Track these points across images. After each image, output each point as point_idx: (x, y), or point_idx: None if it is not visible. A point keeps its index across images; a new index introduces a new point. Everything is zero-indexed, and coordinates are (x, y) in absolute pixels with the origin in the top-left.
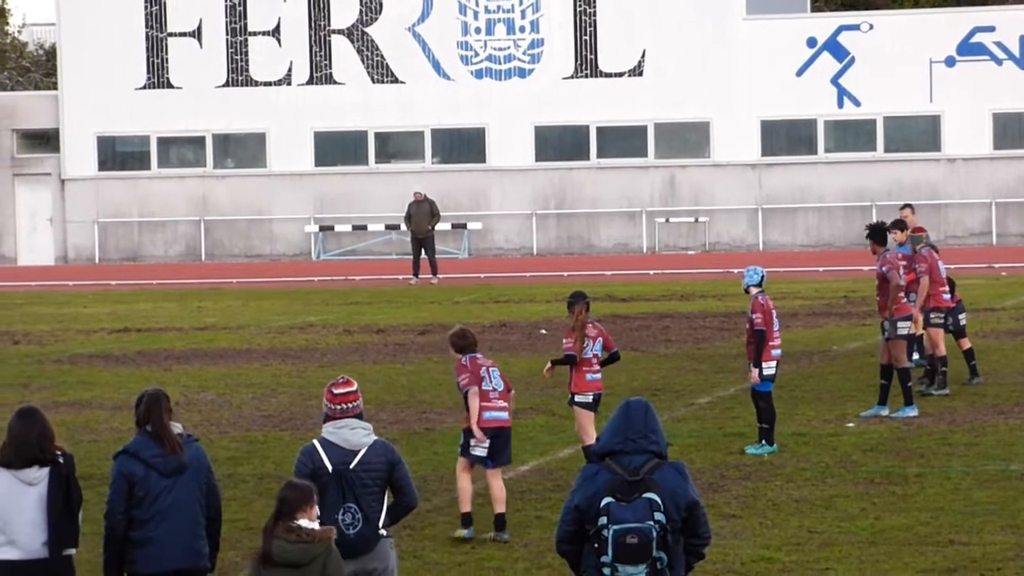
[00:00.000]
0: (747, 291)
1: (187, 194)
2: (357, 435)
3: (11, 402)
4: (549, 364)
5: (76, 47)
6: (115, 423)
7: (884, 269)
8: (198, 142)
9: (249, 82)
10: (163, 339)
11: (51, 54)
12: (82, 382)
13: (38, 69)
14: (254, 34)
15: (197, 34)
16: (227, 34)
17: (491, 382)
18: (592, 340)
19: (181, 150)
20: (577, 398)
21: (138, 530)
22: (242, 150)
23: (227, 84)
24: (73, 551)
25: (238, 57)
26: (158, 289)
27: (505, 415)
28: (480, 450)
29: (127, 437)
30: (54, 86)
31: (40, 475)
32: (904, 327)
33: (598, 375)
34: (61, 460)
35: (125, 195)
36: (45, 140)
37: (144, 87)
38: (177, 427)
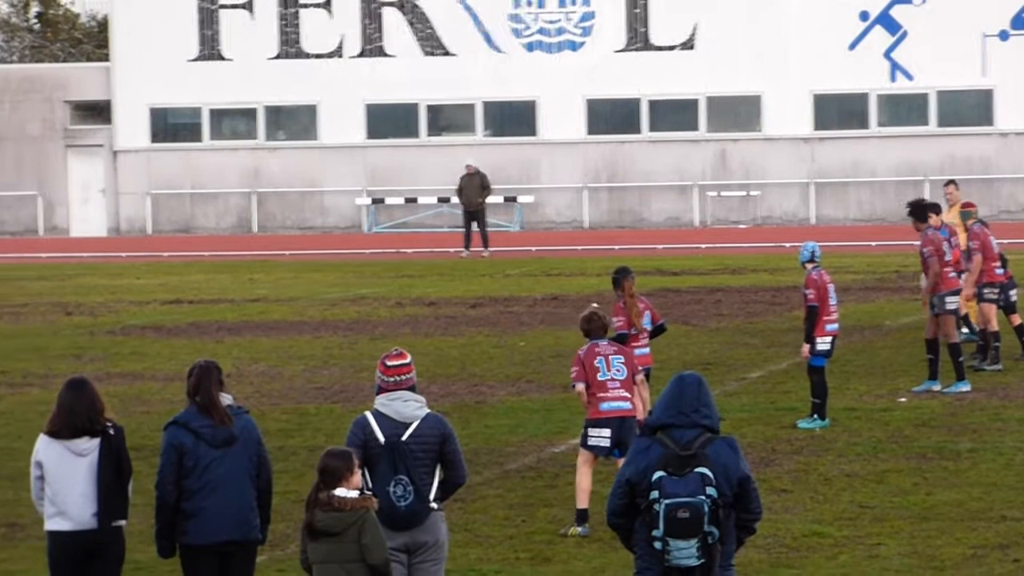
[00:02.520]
0: (804, 266)
1: (239, 166)
2: (410, 407)
3: (64, 373)
4: None
5: (128, 19)
6: (167, 394)
7: (926, 252)
8: (250, 114)
9: (300, 54)
10: (215, 311)
11: (103, 26)
12: (134, 353)
13: (90, 41)
14: (305, 6)
15: (249, 6)
16: (279, 6)
17: (609, 371)
18: (640, 314)
19: (233, 122)
20: None
21: (188, 501)
22: (294, 122)
23: (278, 56)
24: (123, 522)
25: (289, 29)
26: (210, 261)
27: (627, 404)
28: (602, 440)
29: (178, 408)
30: (106, 57)
31: (91, 446)
32: (952, 302)
33: (646, 349)
34: (112, 431)
35: (177, 167)
36: (97, 112)
37: (196, 59)
38: (227, 398)
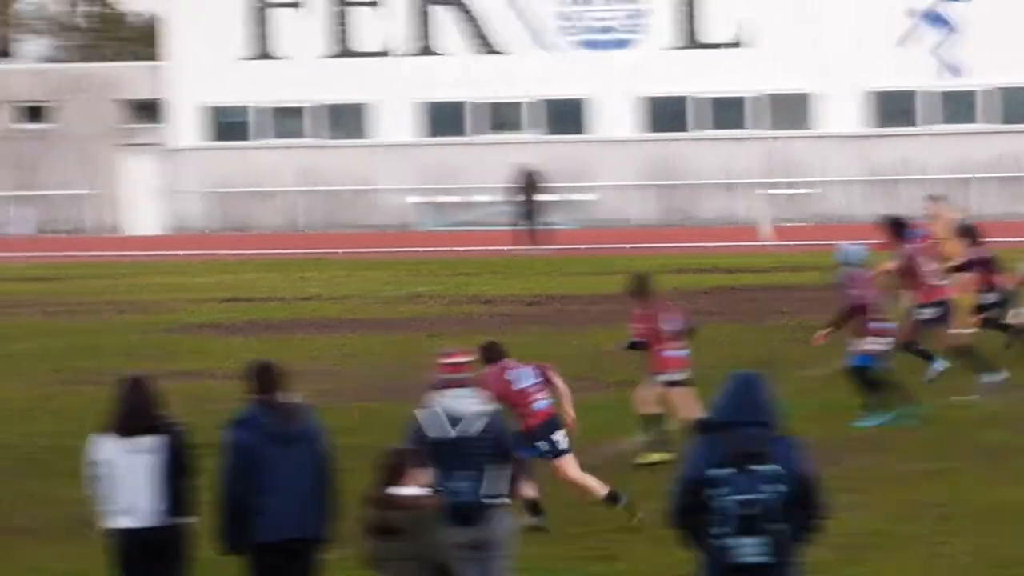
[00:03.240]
0: (844, 267)
1: (292, 164)
2: (468, 404)
3: (119, 371)
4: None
5: (181, 18)
6: (227, 392)
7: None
8: (304, 113)
9: (352, 53)
10: (271, 309)
11: (154, 25)
12: (193, 351)
13: (144, 40)
14: (354, 4)
15: (300, 4)
16: (328, 4)
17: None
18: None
19: (286, 121)
20: (663, 377)
21: (252, 499)
22: (346, 121)
23: (330, 55)
24: (187, 520)
25: (340, 28)
26: (265, 259)
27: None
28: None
29: (239, 406)
30: (156, 56)
31: (152, 443)
32: (928, 313)
33: (680, 352)
34: (174, 429)
35: (231, 165)
36: (149, 111)
37: (247, 58)
38: (289, 397)
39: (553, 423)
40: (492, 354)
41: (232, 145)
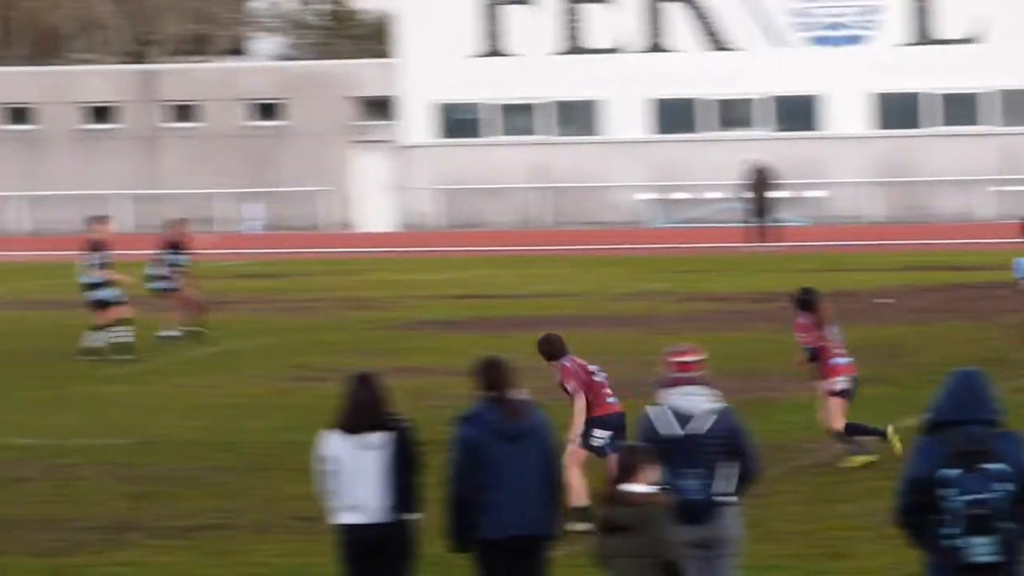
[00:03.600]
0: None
1: (525, 161)
2: (699, 401)
3: (353, 367)
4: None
5: (414, 15)
6: (457, 389)
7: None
8: (534, 109)
9: (582, 49)
10: (501, 306)
11: (386, 22)
12: (422, 348)
13: (377, 37)
14: (587, 1)
15: (531, 1)
16: (561, 1)
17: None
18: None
19: (519, 117)
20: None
21: (480, 496)
22: (576, 118)
23: (561, 52)
24: (414, 516)
25: (571, 24)
26: (496, 256)
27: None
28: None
29: (468, 403)
30: (388, 54)
31: (380, 440)
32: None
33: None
34: (401, 426)
35: (463, 162)
36: (382, 108)
37: (480, 55)
38: (519, 393)
39: (613, 422)
40: (558, 348)
41: (463, 142)
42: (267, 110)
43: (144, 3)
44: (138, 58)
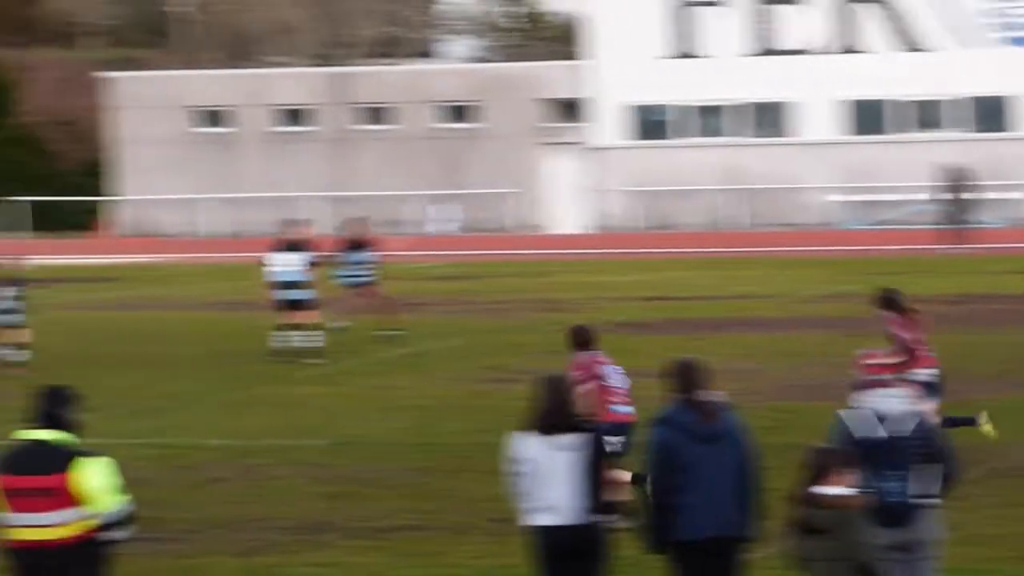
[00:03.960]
0: None
1: (715, 163)
2: (897, 404)
3: (545, 369)
4: None
5: (605, 17)
6: (650, 391)
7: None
8: (726, 111)
9: (774, 51)
10: (694, 307)
11: (577, 24)
12: (615, 350)
13: (568, 39)
14: (778, 2)
15: (722, 3)
16: (752, 2)
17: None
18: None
19: (708, 119)
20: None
21: (676, 497)
22: (768, 119)
23: (752, 53)
24: (607, 518)
25: (762, 26)
26: (688, 258)
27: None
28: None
29: (662, 405)
30: (580, 56)
31: (572, 441)
32: None
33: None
34: (593, 427)
35: (654, 164)
36: (572, 109)
37: (670, 56)
38: (713, 395)
39: (622, 429)
40: (583, 339)
41: (654, 144)
42: (458, 112)
43: (336, 6)
44: (330, 61)
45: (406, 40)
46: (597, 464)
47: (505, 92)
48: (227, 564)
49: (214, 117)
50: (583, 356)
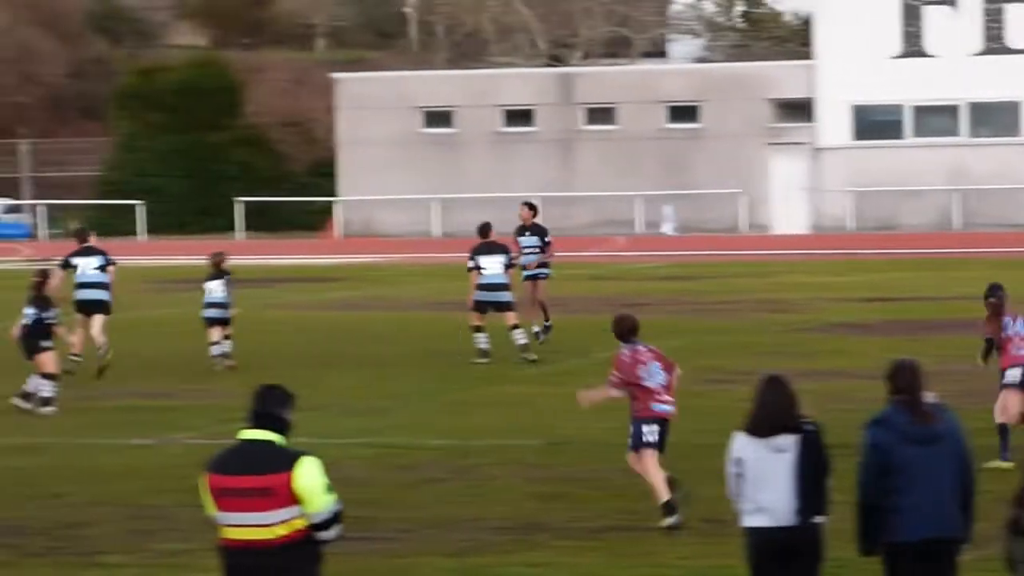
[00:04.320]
0: None
1: (941, 163)
2: None
3: (765, 370)
4: None
5: (831, 17)
6: (868, 392)
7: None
8: (952, 111)
9: (1005, 50)
10: (916, 308)
11: (807, 23)
12: (833, 351)
13: (794, 39)
14: (1012, 1)
15: (953, 2)
16: (984, 2)
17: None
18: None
19: (935, 119)
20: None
21: (890, 499)
22: (997, 119)
23: (982, 52)
24: (823, 519)
25: (994, 25)
26: (909, 258)
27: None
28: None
29: (878, 407)
30: (809, 55)
31: (790, 443)
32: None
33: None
34: (810, 428)
35: (879, 164)
36: (799, 109)
37: (899, 56)
38: (931, 396)
39: (658, 423)
40: (624, 331)
41: (879, 144)
42: (683, 112)
43: (563, 7)
44: (557, 61)
45: (635, 40)
46: (815, 465)
47: (731, 92)
48: (439, 564)
49: (441, 117)
50: (625, 352)
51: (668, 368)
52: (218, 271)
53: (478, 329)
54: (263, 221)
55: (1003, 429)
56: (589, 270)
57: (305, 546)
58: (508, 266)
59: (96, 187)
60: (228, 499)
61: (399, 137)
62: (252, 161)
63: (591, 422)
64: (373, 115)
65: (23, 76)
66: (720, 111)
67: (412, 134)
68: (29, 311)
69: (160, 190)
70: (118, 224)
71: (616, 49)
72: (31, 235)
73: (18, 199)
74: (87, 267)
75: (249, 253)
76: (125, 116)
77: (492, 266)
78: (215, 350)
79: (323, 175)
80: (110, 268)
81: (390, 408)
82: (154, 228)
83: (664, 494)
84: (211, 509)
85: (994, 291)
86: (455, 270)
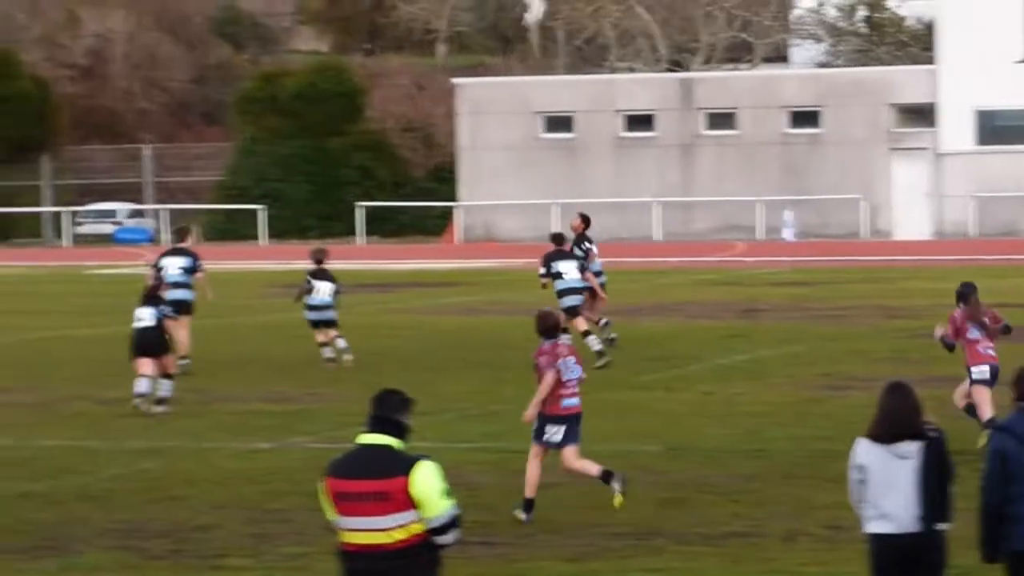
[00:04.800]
0: None
1: None
2: None
3: (887, 376)
4: None
5: (954, 21)
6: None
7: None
8: None
9: None
10: None
11: (930, 28)
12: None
13: (917, 43)
14: None
15: None
16: None
17: (569, 373)
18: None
19: None
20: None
21: (1013, 506)
22: None
23: None
24: (946, 526)
25: None
26: None
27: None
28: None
29: (1004, 413)
30: (932, 60)
31: (913, 449)
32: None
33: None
34: (933, 435)
35: (1001, 169)
36: (922, 114)
37: (1022, 60)
38: None
39: (566, 420)
40: (548, 328)
41: (1002, 149)
42: (804, 117)
43: (685, 12)
44: (677, 66)
45: (757, 45)
46: (938, 472)
47: (853, 97)
48: (557, 569)
49: (561, 122)
50: (547, 345)
51: (579, 364)
52: (321, 270)
53: (586, 334)
54: (383, 226)
55: (968, 409)
56: (709, 275)
57: (423, 550)
58: (582, 271)
59: (217, 192)
60: (347, 503)
61: (519, 142)
62: (372, 166)
63: (709, 427)
64: (493, 120)
65: (147, 82)
66: (841, 116)
67: (532, 139)
68: (147, 311)
69: (281, 195)
70: (239, 228)
71: (737, 54)
72: (153, 239)
73: (141, 204)
74: (172, 267)
75: (369, 258)
76: (247, 121)
77: (570, 271)
78: (326, 352)
79: (443, 180)
80: (198, 274)
81: (508, 412)
82: (275, 232)
83: (530, 491)
84: (330, 513)
85: (970, 290)
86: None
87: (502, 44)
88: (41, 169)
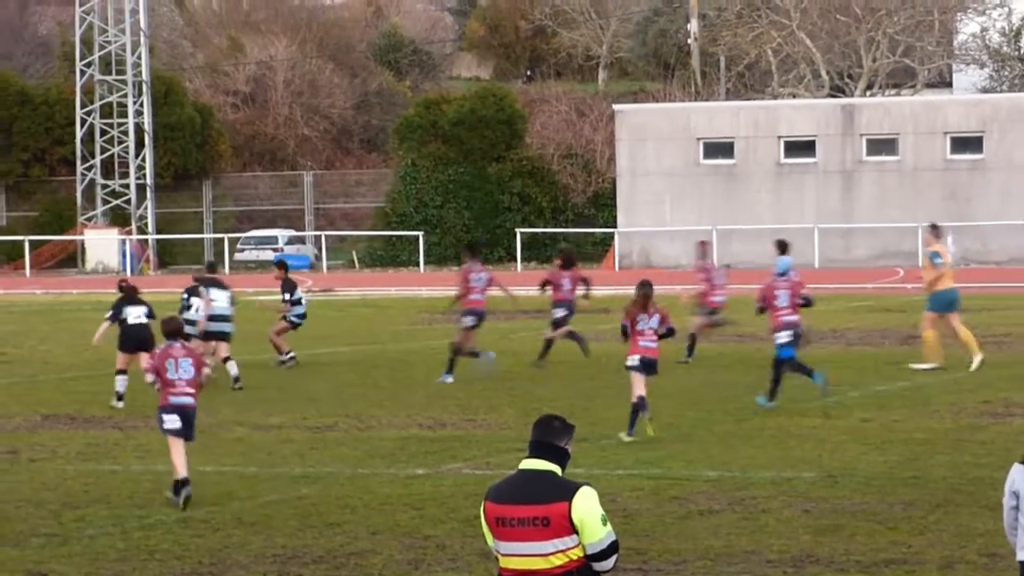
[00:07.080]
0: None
1: None
2: None
3: None
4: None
5: None
6: None
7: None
8: None
9: None
10: None
11: None
12: None
13: None
14: None
15: None
16: None
17: (177, 371)
18: (648, 316)
19: None
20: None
21: None
22: None
23: None
24: None
25: None
26: None
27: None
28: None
29: None
30: None
31: None
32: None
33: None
34: None
35: None
36: None
37: None
38: None
39: (177, 412)
40: (170, 332)
41: None
42: (966, 143)
43: (847, 38)
44: (840, 92)
45: (919, 71)
46: None
47: (1016, 123)
48: None
49: (721, 148)
50: (158, 348)
51: (197, 365)
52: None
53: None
54: (542, 252)
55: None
56: (868, 302)
57: None
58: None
59: (377, 218)
60: (506, 529)
61: (679, 168)
62: (532, 192)
63: (867, 454)
64: (653, 146)
65: (308, 108)
66: (1004, 142)
67: (692, 165)
68: (140, 309)
69: (441, 221)
70: (398, 254)
71: (900, 79)
72: (311, 266)
73: (301, 230)
74: (221, 299)
75: (529, 284)
76: (407, 147)
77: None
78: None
79: (602, 206)
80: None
81: (668, 439)
82: (434, 259)
83: (180, 472)
84: (490, 539)
85: (645, 285)
86: (736, 303)
87: (663, 70)
88: (203, 195)
